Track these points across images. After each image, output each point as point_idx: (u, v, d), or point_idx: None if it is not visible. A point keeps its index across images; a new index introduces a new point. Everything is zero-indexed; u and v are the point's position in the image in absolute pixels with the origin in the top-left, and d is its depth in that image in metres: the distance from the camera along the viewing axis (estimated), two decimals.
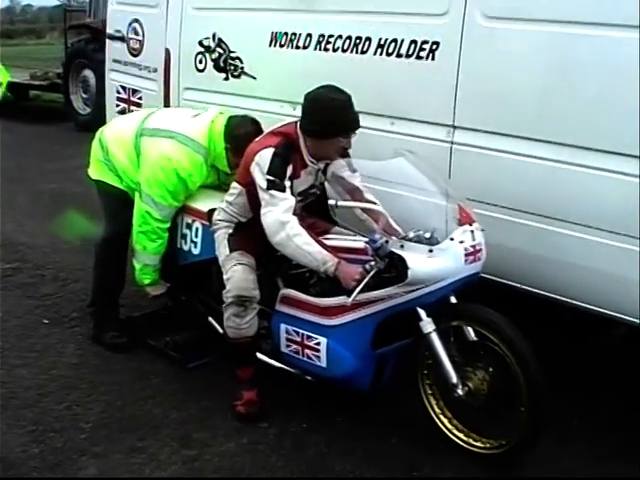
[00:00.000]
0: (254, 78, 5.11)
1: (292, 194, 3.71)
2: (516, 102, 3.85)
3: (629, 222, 3.55)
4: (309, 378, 3.99)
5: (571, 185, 3.73)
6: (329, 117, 3.69)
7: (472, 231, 3.58)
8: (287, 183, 3.69)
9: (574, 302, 3.86)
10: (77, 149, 9.58)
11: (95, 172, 4.66)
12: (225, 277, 3.89)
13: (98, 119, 10.49)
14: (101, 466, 3.56)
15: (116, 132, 4.64)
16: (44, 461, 3.57)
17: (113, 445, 3.72)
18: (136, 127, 4.52)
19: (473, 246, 3.55)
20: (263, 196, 3.69)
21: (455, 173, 4.09)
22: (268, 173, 3.66)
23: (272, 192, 3.65)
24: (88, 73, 11.82)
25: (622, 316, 3.71)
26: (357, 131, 3.76)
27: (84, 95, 11.93)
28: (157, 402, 4.10)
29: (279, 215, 3.64)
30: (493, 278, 4.04)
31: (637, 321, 3.64)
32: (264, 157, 3.70)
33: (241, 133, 4.26)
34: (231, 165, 4.34)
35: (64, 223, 5.29)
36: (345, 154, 3.94)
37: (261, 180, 3.69)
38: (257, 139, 3.93)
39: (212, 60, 5.36)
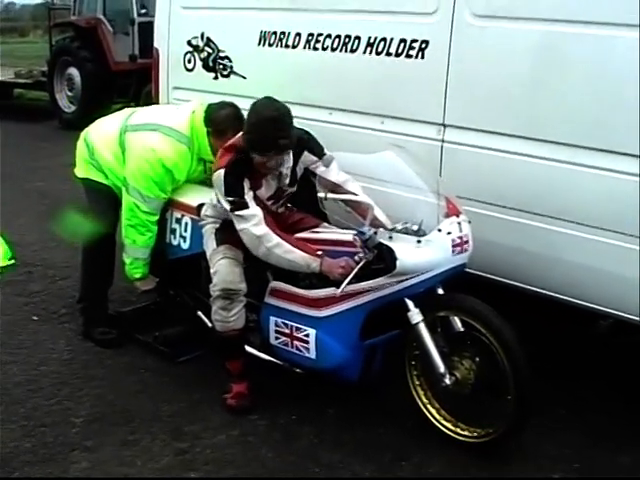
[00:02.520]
0: (244, 77, 5.12)
1: (258, 204, 3.74)
2: (506, 100, 3.88)
3: (626, 221, 3.58)
4: (298, 370, 4.02)
5: (564, 183, 3.76)
6: (247, 129, 3.70)
7: (459, 222, 3.63)
8: (248, 197, 3.71)
9: (569, 299, 3.89)
10: (63, 147, 9.58)
11: (81, 171, 4.67)
12: (212, 271, 3.92)
13: (83, 117, 10.59)
14: (93, 460, 3.58)
15: (101, 131, 4.65)
16: (36, 455, 3.59)
17: (104, 439, 3.74)
18: (120, 125, 4.54)
19: (460, 237, 3.60)
20: (232, 218, 3.75)
21: (446, 171, 4.11)
22: (226, 195, 3.71)
23: (237, 213, 3.71)
24: (73, 71, 11.79)
25: (622, 314, 3.75)
26: (284, 153, 3.73)
27: (69, 93, 11.90)
28: (148, 396, 4.12)
29: (252, 231, 3.70)
30: (486, 275, 4.08)
31: (637, 319, 3.68)
32: (218, 181, 3.74)
33: (221, 115, 4.30)
34: (214, 151, 4.32)
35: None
36: (316, 151, 3.95)
37: (224, 204, 3.74)
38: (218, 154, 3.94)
39: (201, 59, 5.36)
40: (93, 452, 3.64)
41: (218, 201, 3.86)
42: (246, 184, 3.73)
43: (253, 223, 3.69)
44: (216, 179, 3.76)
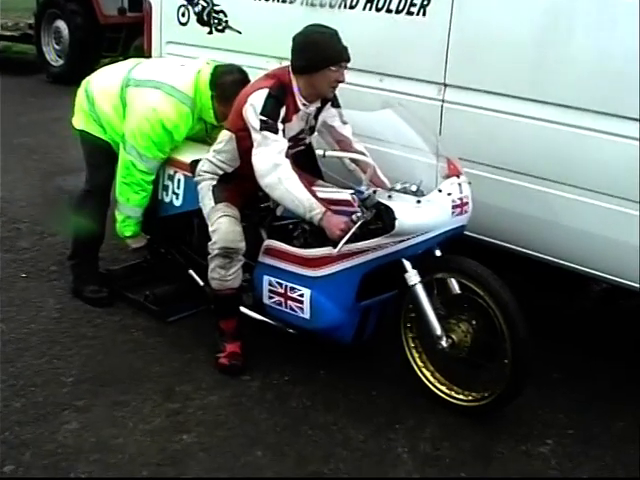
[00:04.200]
0: (239, 32, 5.02)
1: (284, 137, 3.68)
2: (509, 61, 3.81)
3: (628, 185, 3.54)
4: (291, 331, 3.99)
5: (566, 146, 3.70)
6: (317, 49, 3.67)
7: (460, 184, 3.58)
8: (280, 125, 3.65)
9: (568, 264, 3.87)
10: (50, 101, 9.52)
11: (79, 122, 4.57)
12: (211, 229, 3.85)
13: (71, 71, 10.44)
14: (83, 420, 3.54)
15: (102, 82, 4.54)
16: (26, 415, 3.54)
17: (95, 399, 3.70)
18: (122, 77, 4.43)
19: (460, 198, 3.55)
20: (255, 137, 3.65)
21: (446, 132, 4.06)
22: (262, 114, 3.63)
23: (265, 133, 3.62)
24: (60, 24, 11.58)
25: (622, 281, 3.72)
26: (348, 65, 3.72)
27: (57, 47, 11.69)
28: (139, 355, 4.08)
29: (271, 156, 3.61)
30: (482, 237, 4.05)
31: (637, 286, 3.65)
32: (258, 98, 3.66)
33: (227, 81, 4.20)
34: (217, 115, 4.27)
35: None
36: (336, 104, 3.92)
37: (254, 121, 3.64)
38: (250, 83, 3.90)
39: (195, 13, 5.25)
40: (84, 412, 3.60)
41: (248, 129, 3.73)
42: (282, 112, 3.68)
43: (276, 150, 3.61)
44: (256, 96, 3.67)
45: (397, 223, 3.41)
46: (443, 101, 4.08)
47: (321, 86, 3.74)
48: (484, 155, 3.97)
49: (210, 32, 5.19)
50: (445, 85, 4.06)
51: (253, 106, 3.65)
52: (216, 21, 5.12)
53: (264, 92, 3.66)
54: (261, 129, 3.62)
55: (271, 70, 3.90)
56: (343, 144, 3.92)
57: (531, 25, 3.73)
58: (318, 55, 3.66)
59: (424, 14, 4.06)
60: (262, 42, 4.75)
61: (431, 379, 3.75)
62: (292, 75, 3.74)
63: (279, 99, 3.67)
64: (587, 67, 3.58)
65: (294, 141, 3.88)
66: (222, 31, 5.11)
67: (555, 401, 3.82)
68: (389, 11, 4.19)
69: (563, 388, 3.93)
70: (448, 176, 3.59)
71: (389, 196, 3.48)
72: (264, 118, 3.62)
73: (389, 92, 4.22)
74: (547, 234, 3.88)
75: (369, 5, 4.27)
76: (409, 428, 3.59)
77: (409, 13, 4.11)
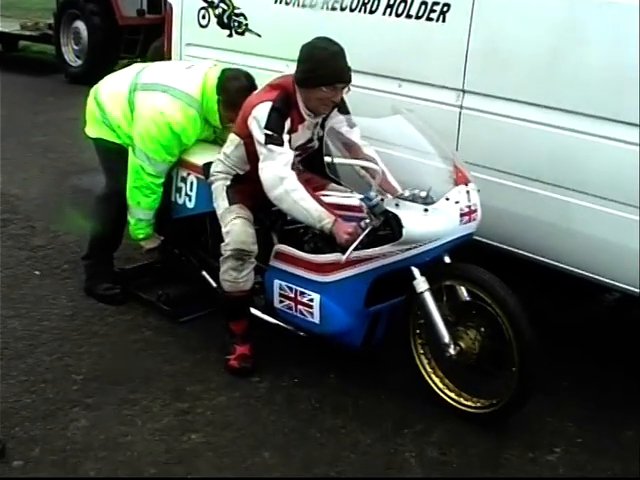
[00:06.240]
0: (259, 36, 5.04)
1: (290, 148, 3.69)
2: (527, 68, 3.81)
3: (633, 192, 3.54)
4: (302, 333, 4.00)
5: (584, 154, 3.70)
6: (313, 65, 3.68)
7: (468, 191, 3.57)
8: (285, 137, 3.67)
9: (580, 272, 3.86)
10: (68, 101, 9.55)
11: (92, 130, 4.60)
12: (224, 230, 3.87)
13: (89, 71, 10.49)
14: (92, 418, 3.57)
15: (110, 88, 4.57)
16: (36, 411, 3.57)
17: (105, 397, 3.72)
18: (130, 82, 4.47)
19: (468, 206, 3.55)
20: (261, 150, 3.68)
21: (463, 138, 4.07)
22: (266, 127, 3.64)
23: (270, 146, 3.64)
24: (80, 25, 11.63)
25: (623, 285, 3.72)
26: (349, 86, 3.72)
27: (75, 47, 11.74)
28: (149, 355, 4.10)
29: (277, 169, 3.63)
30: (501, 246, 4.06)
31: (637, 290, 3.65)
32: (262, 111, 3.67)
33: (234, 86, 4.21)
34: (222, 119, 4.29)
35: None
36: (344, 110, 3.92)
37: (259, 134, 3.67)
38: (256, 92, 3.91)
39: (215, 16, 5.27)
40: (93, 410, 3.62)
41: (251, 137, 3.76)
42: (287, 124, 3.69)
43: (281, 163, 3.64)
44: (259, 110, 3.69)
45: (404, 232, 3.42)
46: (461, 107, 4.08)
47: (313, 103, 3.76)
48: (500, 161, 3.96)
49: (230, 35, 5.20)
50: (464, 91, 4.06)
51: (257, 120, 3.68)
52: (236, 24, 5.13)
53: (268, 105, 3.67)
54: (266, 143, 3.64)
55: (276, 79, 3.90)
56: (352, 149, 3.92)
57: (549, 32, 3.72)
58: (313, 72, 3.67)
59: (444, 20, 4.06)
60: (282, 45, 4.75)
61: (440, 385, 3.75)
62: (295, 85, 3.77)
63: (283, 112, 3.68)
64: (601, 75, 3.58)
65: (302, 150, 3.91)
66: (242, 34, 5.12)
67: (564, 410, 3.80)
68: (409, 16, 4.19)
69: (573, 397, 3.91)
70: (457, 183, 3.58)
71: (396, 204, 3.47)
72: (269, 132, 3.64)
73: (407, 97, 4.22)
74: (559, 241, 3.88)
75: (389, 10, 4.27)
76: (417, 433, 3.59)
77: (429, 19, 4.11)
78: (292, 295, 3.88)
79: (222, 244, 3.86)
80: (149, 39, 10.75)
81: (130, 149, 4.37)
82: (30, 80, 11.31)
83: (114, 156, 4.50)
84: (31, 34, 12.96)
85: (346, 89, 3.76)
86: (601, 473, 3.40)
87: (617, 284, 3.76)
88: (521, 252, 4.04)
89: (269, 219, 4.05)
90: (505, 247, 4.09)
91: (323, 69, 3.65)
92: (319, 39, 3.77)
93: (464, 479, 3.34)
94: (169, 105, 4.26)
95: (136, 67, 4.67)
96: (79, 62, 11.66)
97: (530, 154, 3.88)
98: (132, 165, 4.34)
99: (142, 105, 4.35)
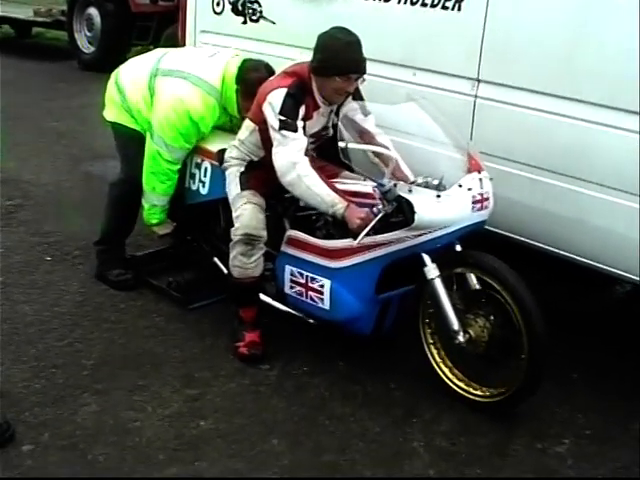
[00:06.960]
0: (273, 23, 5.02)
1: (304, 135, 3.69)
2: (543, 57, 3.78)
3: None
4: (311, 321, 4.00)
5: (599, 146, 3.67)
6: (328, 55, 3.68)
7: (480, 179, 3.56)
8: (299, 124, 3.67)
9: (593, 263, 3.84)
10: (81, 87, 9.59)
11: (111, 114, 4.60)
12: (234, 215, 3.88)
13: (102, 58, 10.50)
14: (102, 403, 3.58)
15: (132, 73, 4.56)
16: (46, 396, 3.58)
17: (115, 382, 3.73)
18: (151, 67, 4.46)
19: (481, 194, 3.53)
20: (275, 136, 3.68)
21: (478, 128, 4.05)
22: (280, 113, 3.65)
23: (284, 132, 3.64)
24: (93, 11, 11.62)
25: (622, 272, 3.71)
26: (364, 77, 3.72)
27: (88, 33, 11.73)
28: (159, 341, 4.11)
29: (290, 155, 3.63)
30: (514, 236, 4.04)
31: (637, 278, 3.63)
32: (277, 97, 3.67)
33: (253, 77, 4.19)
34: (240, 109, 4.28)
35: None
36: (358, 97, 3.91)
37: (273, 120, 3.67)
38: (270, 79, 3.90)
39: (230, 3, 5.24)
40: (103, 395, 3.63)
41: (266, 124, 3.76)
42: (301, 111, 3.70)
43: (295, 149, 3.64)
44: (274, 96, 3.70)
45: (417, 217, 3.41)
46: (476, 97, 4.06)
47: (327, 92, 3.77)
48: (515, 152, 3.94)
49: (244, 22, 5.18)
50: (479, 81, 4.03)
51: (272, 105, 3.68)
52: (251, 11, 5.11)
53: (282, 91, 3.68)
54: (280, 128, 3.65)
55: (291, 66, 3.90)
56: (366, 137, 3.90)
57: (566, 21, 3.69)
58: (328, 62, 3.67)
59: (459, 9, 4.04)
60: (296, 33, 4.73)
61: (449, 375, 3.75)
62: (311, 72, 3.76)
63: (298, 98, 3.69)
64: (618, 66, 3.55)
65: (316, 137, 3.91)
66: (256, 21, 5.10)
67: (574, 400, 3.79)
68: (424, 5, 4.17)
69: (582, 387, 3.91)
70: (470, 171, 3.57)
71: (409, 190, 3.46)
72: (283, 118, 3.64)
73: (422, 86, 4.20)
74: (572, 232, 3.85)
75: None
76: (426, 422, 3.59)
77: (444, 8, 4.09)
78: (303, 281, 3.88)
79: (232, 229, 3.87)
80: (162, 26, 10.74)
81: (148, 135, 4.37)
82: (43, 66, 11.32)
83: (131, 142, 4.50)
84: (44, 20, 12.95)
85: (360, 80, 3.75)
86: (610, 464, 3.38)
87: (615, 271, 3.75)
88: (534, 243, 4.02)
89: (281, 205, 4.04)
90: (518, 238, 4.06)
91: (338, 59, 3.65)
92: (336, 29, 3.75)
93: (464, 479, 3.32)
94: (189, 92, 4.25)
95: (158, 52, 4.67)
96: (92, 49, 11.64)
97: (547, 145, 3.84)
98: (149, 151, 4.34)
99: (162, 91, 4.34)
